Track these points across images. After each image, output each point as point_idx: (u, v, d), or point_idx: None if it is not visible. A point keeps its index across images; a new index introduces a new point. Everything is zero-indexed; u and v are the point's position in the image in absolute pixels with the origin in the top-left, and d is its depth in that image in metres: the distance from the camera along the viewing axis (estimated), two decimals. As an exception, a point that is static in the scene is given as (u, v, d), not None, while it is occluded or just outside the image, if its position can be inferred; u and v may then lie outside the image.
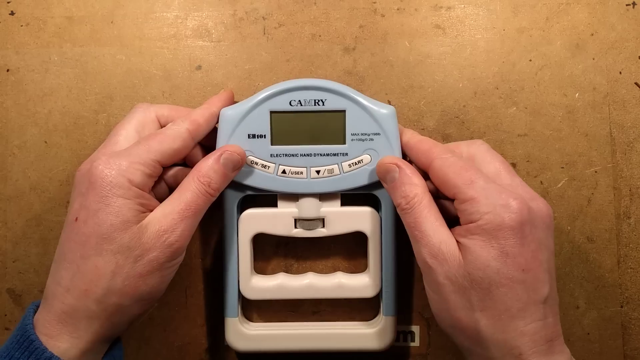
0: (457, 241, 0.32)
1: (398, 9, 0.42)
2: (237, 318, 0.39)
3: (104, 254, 0.31)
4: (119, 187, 0.32)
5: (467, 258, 0.31)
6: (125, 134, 0.35)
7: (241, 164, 0.37)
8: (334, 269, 0.42)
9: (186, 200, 0.34)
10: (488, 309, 0.30)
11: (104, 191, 0.32)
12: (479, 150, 0.36)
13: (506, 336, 0.30)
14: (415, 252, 0.34)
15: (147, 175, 0.33)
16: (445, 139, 0.41)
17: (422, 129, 0.41)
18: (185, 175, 0.35)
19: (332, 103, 0.37)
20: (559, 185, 0.41)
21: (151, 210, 0.34)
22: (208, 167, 0.35)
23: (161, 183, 0.37)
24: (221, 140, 0.37)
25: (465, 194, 0.32)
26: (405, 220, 0.34)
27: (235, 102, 0.39)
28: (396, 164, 0.35)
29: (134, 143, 0.34)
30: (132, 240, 0.32)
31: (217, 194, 0.35)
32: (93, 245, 0.31)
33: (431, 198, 0.34)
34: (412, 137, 0.37)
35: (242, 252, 0.39)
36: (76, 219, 0.32)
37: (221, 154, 0.35)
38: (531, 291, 0.30)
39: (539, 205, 0.32)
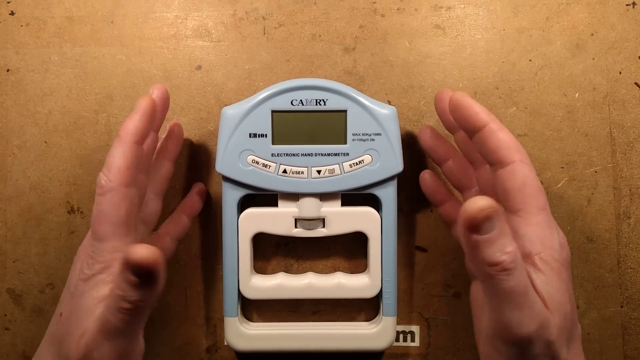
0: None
1: (398, 9, 0.42)
2: (237, 317, 0.39)
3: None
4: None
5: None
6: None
7: None
8: (334, 269, 0.42)
9: None
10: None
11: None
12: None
13: None
14: (505, 320, 0.28)
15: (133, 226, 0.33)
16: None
17: (422, 129, 0.41)
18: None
19: (334, 103, 0.37)
20: (559, 185, 0.41)
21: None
22: None
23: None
24: (222, 139, 0.37)
25: (529, 219, 0.30)
26: (501, 285, 0.27)
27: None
28: (496, 210, 0.26)
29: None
30: None
31: None
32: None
33: None
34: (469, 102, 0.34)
35: (242, 251, 0.39)
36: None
37: None
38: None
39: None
